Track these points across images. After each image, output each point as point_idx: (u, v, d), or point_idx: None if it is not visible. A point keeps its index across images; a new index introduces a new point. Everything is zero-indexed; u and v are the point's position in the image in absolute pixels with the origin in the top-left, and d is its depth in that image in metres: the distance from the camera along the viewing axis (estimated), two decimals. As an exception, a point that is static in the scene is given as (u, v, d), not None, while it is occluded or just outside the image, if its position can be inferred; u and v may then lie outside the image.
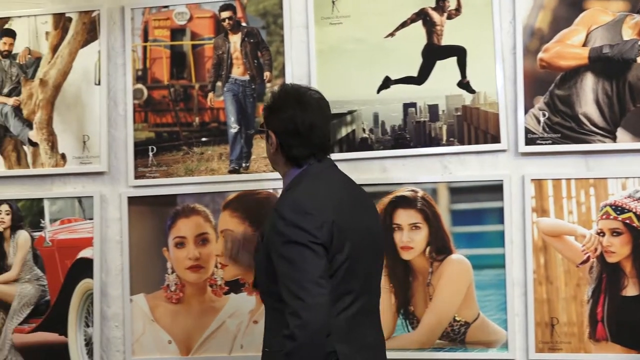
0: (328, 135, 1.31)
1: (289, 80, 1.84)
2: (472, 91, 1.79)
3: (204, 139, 1.87)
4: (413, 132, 1.81)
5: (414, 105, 1.81)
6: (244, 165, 1.86)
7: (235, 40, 1.89)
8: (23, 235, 1.90)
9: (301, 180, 1.25)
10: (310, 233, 1.15)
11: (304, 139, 1.24)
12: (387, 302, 1.80)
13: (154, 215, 1.87)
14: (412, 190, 1.79)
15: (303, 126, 1.24)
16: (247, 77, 1.87)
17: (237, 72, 1.88)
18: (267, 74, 1.87)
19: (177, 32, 1.91)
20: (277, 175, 1.49)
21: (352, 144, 1.82)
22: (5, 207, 1.91)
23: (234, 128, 1.87)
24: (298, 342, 1.10)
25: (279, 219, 1.18)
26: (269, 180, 1.83)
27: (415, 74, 1.81)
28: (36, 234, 1.91)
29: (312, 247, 1.14)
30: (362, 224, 1.27)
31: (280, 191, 1.47)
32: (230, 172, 1.85)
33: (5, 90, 1.95)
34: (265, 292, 1.28)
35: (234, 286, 1.84)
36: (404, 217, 1.78)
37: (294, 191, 1.23)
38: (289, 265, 1.15)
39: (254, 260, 1.37)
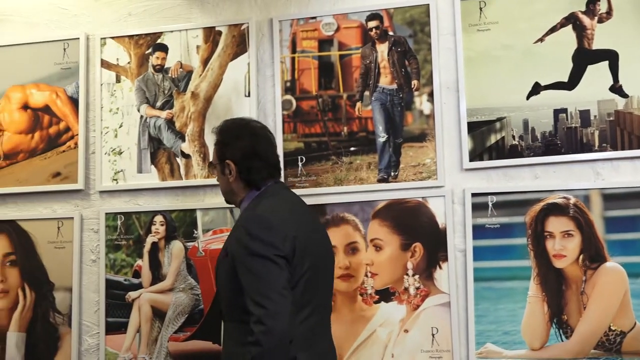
0: (278, 158, 2.52)
1: (436, 88, 3.24)
2: (624, 95, 3.12)
3: (352, 149, 3.37)
4: (564, 138, 3.18)
5: (564, 111, 3.20)
6: (392, 174, 3.31)
7: (382, 49, 3.41)
8: (177, 246, 3.51)
9: (261, 199, 2.40)
10: (274, 246, 2.21)
11: (262, 160, 2.45)
12: (539, 311, 3.14)
13: None
14: (564, 198, 3.14)
15: (259, 149, 2.44)
16: (394, 86, 3.35)
17: (385, 81, 3.39)
18: (414, 83, 3.33)
19: (324, 43, 3.46)
20: (427, 183, 3.05)
21: (502, 151, 3.22)
22: (159, 217, 3.54)
23: (382, 137, 3.36)
24: (263, 348, 2.10)
25: (245, 234, 2.24)
26: (418, 189, 3.23)
27: (565, 79, 3.18)
28: (189, 244, 3.48)
29: (275, 260, 2.19)
30: (318, 241, 2.45)
31: (430, 200, 3.03)
32: (379, 181, 3.30)
33: (159, 104, 3.57)
34: (229, 305, 2.33)
35: (384, 295, 3.24)
36: (556, 224, 3.15)
37: (256, 208, 2.33)
38: (254, 277, 2.19)
39: (215, 276, 2.56)
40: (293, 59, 3.51)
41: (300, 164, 3.45)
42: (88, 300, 3.64)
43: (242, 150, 2.49)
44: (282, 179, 2.71)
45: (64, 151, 3.70)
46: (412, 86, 3.38)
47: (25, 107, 3.77)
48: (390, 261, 3.30)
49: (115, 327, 3.58)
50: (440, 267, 3.26)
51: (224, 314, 2.43)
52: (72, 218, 3.65)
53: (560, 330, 3.16)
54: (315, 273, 2.39)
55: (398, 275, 3.29)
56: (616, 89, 3.21)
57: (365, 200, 3.37)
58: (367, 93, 3.42)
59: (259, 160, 2.48)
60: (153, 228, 3.55)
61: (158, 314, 3.55)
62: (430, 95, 3.30)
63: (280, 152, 3.27)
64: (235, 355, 2.30)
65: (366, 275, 3.34)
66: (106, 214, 3.62)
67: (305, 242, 2.35)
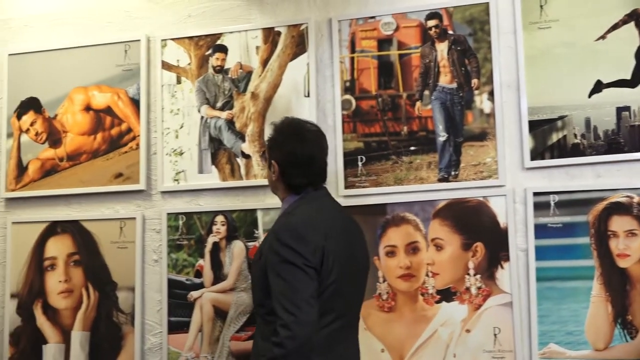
0: (324, 165, 2.88)
1: (497, 87, 3.66)
2: (688, 93, 3.52)
3: (412, 148, 3.81)
4: (627, 137, 3.56)
5: (627, 109, 3.57)
6: (453, 173, 3.74)
7: (442, 48, 3.85)
8: (238, 245, 4.01)
9: (298, 206, 2.77)
10: (305, 257, 2.57)
11: (303, 169, 2.82)
12: (603, 311, 3.48)
13: (364, 225, 3.65)
14: (627, 197, 3.51)
15: (302, 158, 2.81)
16: (454, 85, 3.78)
17: (445, 80, 3.82)
18: (474, 82, 3.74)
19: (384, 42, 3.92)
20: (488, 182, 3.50)
21: (564, 149, 3.62)
22: (220, 217, 4.03)
23: (442, 136, 3.79)
24: (286, 351, 2.47)
25: (277, 241, 2.61)
26: (479, 189, 3.65)
27: (628, 76, 3.55)
28: (250, 244, 3.97)
29: (305, 270, 2.56)
30: (349, 251, 2.78)
31: (491, 199, 3.48)
32: (440, 180, 3.74)
33: (219, 105, 4.08)
34: (259, 305, 2.75)
35: (446, 295, 3.66)
36: (620, 223, 3.52)
37: (291, 216, 2.70)
38: (284, 283, 2.56)
39: (251, 276, 3.15)
40: (352, 59, 4.02)
41: (360, 163, 3.95)
42: (150, 299, 4.17)
43: (285, 155, 2.89)
44: (327, 184, 3.08)
45: (126, 152, 4.26)
46: (472, 85, 3.84)
47: (88, 108, 4.32)
48: (452, 261, 3.75)
49: (177, 326, 4.11)
50: (502, 267, 3.69)
51: (253, 308, 2.93)
52: (135, 218, 4.16)
53: (625, 331, 3.57)
54: (343, 281, 2.76)
55: (459, 275, 3.74)
56: (680, 86, 3.62)
57: (426, 199, 3.83)
58: (426, 92, 3.90)
59: (300, 168, 2.88)
60: (214, 228, 4.10)
61: (220, 313, 4.08)
62: (491, 94, 3.71)
63: (340, 152, 3.80)
64: (261, 347, 2.73)
65: (427, 275, 3.80)
66: (168, 214, 4.15)
67: (334, 252, 2.72)
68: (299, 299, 2.58)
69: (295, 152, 2.87)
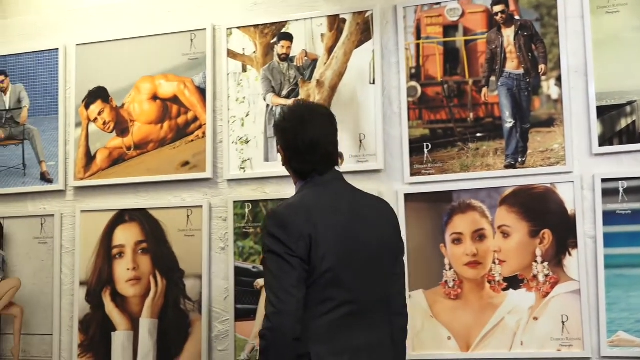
0: (331, 149, 2.92)
1: (564, 72, 3.81)
2: None
3: (478, 135, 3.99)
4: None
5: None
6: (520, 160, 3.90)
7: (508, 34, 4.03)
8: None
9: (301, 191, 2.86)
10: (287, 246, 2.63)
11: (304, 156, 2.85)
12: None
13: (430, 212, 3.99)
14: None
15: (304, 145, 2.82)
16: (521, 71, 3.93)
17: (511, 66, 3.98)
18: (542, 67, 3.90)
19: (449, 29, 4.10)
20: (555, 169, 3.67)
21: (632, 135, 3.74)
22: None
23: (509, 123, 3.96)
24: (267, 343, 2.58)
25: (264, 229, 2.73)
26: (546, 175, 3.81)
27: None
28: None
29: (286, 259, 2.62)
30: (353, 236, 2.76)
31: (559, 186, 3.69)
32: (506, 167, 3.90)
33: (284, 92, 4.27)
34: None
35: (513, 282, 3.83)
36: None
37: (284, 203, 2.78)
38: (268, 273, 2.66)
39: None
40: (418, 46, 4.22)
41: (426, 150, 4.14)
42: (217, 287, 4.40)
43: (288, 141, 2.96)
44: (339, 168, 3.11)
45: (192, 140, 4.50)
46: (539, 71, 4.00)
47: (155, 97, 4.57)
48: (519, 248, 3.90)
49: (244, 313, 4.33)
50: (569, 254, 3.84)
51: None
52: (201, 206, 4.35)
53: None
54: (343, 268, 2.77)
55: (526, 263, 3.90)
56: None
57: (493, 186, 4.01)
58: (493, 78, 4.07)
59: (303, 153, 2.92)
60: (280, 216, 4.36)
61: (286, 301, 4.38)
62: (558, 79, 3.84)
63: (405, 139, 4.00)
64: None
65: (494, 263, 3.98)
66: (234, 202, 4.36)
67: (327, 239, 2.74)
68: (279, 289, 2.67)
69: (297, 138, 2.93)
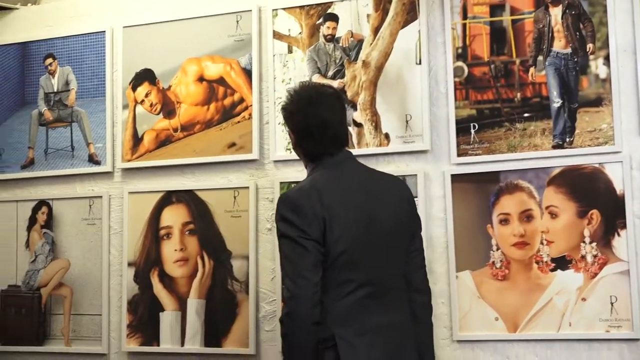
0: (341, 129, 2.98)
1: (612, 51, 3.82)
2: None
3: (526, 115, 4.02)
4: None
5: None
6: (567, 140, 3.92)
7: (556, 12, 4.03)
8: None
9: (311, 173, 2.90)
10: (301, 229, 2.67)
11: (315, 137, 2.89)
12: None
13: (477, 193, 4.04)
14: None
15: (314, 125, 2.88)
16: (569, 50, 3.96)
17: (559, 45, 4.00)
18: (590, 46, 3.91)
19: (496, 8, 4.11)
20: (603, 149, 3.72)
21: None
22: None
23: (556, 102, 3.98)
24: (286, 329, 2.64)
25: (276, 213, 2.76)
26: (594, 155, 3.83)
27: None
28: None
29: (301, 243, 2.65)
30: (368, 215, 2.81)
31: (607, 166, 3.74)
32: (554, 147, 3.93)
33: (330, 73, 4.34)
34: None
35: (561, 263, 3.88)
36: None
37: (295, 187, 2.85)
38: (283, 257, 2.71)
39: None
40: (464, 25, 4.26)
41: (472, 131, 4.19)
42: (264, 268, 4.47)
43: (298, 124, 3.01)
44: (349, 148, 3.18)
45: (238, 122, 4.57)
46: (587, 50, 4.02)
47: (201, 79, 4.65)
48: (567, 228, 3.96)
49: None
50: (618, 235, 3.87)
51: None
52: (248, 187, 4.41)
53: None
54: (359, 249, 2.82)
55: (574, 243, 3.95)
56: None
57: (540, 167, 4.05)
58: (540, 58, 4.10)
59: (313, 135, 2.96)
60: (326, 197, 4.44)
61: (333, 281, 4.46)
62: (606, 58, 3.83)
63: (452, 119, 4.06)
64: None
65: (542, 243, 4.02)
66: (280, 183, 4.42)
67: (341, 220, 2.78)
68: (294, 273, 2.70)
69: (306, 119, 2.97)
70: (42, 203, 4.76)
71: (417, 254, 3.12)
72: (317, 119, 2.95)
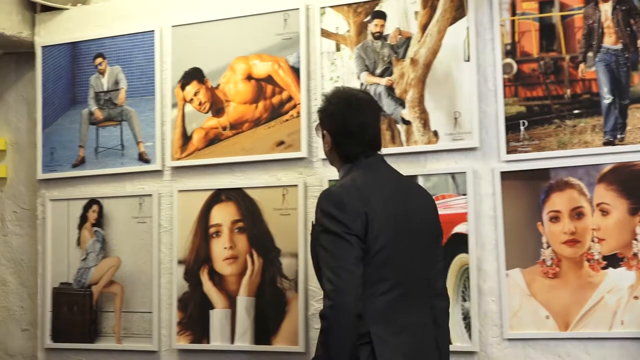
0: (377, 133, 3.08)
1: None
2: None
3: (576, 111, 4.01)
4: None
5: None
6: (618, 136, 3.91)
7: (606, 8, 4.00)
8: None
9: (348, 173, 2.94)
10: (345, 224, 2.73)
11: (355, 138, 2.98)
12: None
13: (527, 190, 4.04)
14: None
15: (354, 126, 2.97)
16: (619, 46, 3.94)
17: (609, 41, 3.99)
18: None
19: (545, 4, 4.09)
20: None
21: None
22: None
23: (607, 99, 3.97)
24: (329, 322, 2.66)
25: (319, 210, 2.82)
26: None
27: None
28: None
29: (345, 238, 2.72)
30: (403, 216, 2.90)
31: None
32: (605, 144, 3.92)
33: (378, 71, 4.36)
34: (317, 277, 2.96)
35: (612, 260, 3.86)
36: None
37: (336, 184, 2.89)
38: (325, 253, 2.74)
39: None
40: (513, 22, 4.24)
41: (522, 128, 4.18)
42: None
43: (336, 124, 3.07)
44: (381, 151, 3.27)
45: (287, 120, 4.60)
46: (638, 46, 4.00)
47: (249, 77, 4.68)
48: (618, 226, 3.94)
49: None
50: None
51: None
52: (296, 185, 4.42)
53: None
54: (394, 248, 2.90)
55: (626, 241, 3.93)
56: None
57: (591, 164, 4.04)
58: (590, 54, 4.08)
59: (352, 136, 3.04)
60: (375, 195, 4.45)
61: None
62: None
63: (501, 116, 4.06)
64: None
65: (592, 241, 4.01)
66: (329, 181, 4.42)
67: (380, 218, 2.86)
68: (339, 267, 2.75)
69: (346, 121, 3.04)
70: (92, 201, 4.85)
71: (440, 260, 3.23)
72: (356, 119, 3.04)
